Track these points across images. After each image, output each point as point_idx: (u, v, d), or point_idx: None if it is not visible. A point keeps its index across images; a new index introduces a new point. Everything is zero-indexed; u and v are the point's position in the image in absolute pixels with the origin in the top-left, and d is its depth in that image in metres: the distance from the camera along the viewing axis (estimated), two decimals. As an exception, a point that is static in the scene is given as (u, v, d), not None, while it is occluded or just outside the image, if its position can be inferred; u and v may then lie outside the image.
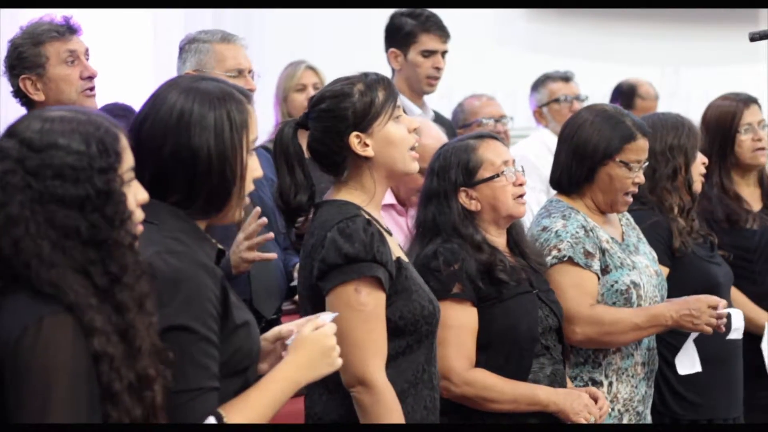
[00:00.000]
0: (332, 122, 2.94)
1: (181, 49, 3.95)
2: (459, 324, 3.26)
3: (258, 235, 3.60)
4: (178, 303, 2.24)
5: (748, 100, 4.54)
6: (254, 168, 2.44)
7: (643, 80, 6.77)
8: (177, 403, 2.21)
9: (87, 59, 3.76)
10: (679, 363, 3.78)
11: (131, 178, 2.14)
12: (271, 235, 3.63)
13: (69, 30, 3.74)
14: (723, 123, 4.48)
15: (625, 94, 6.65)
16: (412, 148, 3.00)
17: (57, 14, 3.80)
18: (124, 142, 2.13)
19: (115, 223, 2.07)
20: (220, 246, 2.45)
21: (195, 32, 3.99)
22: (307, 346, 2.43)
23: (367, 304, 2.85)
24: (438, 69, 5.20)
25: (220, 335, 2.29)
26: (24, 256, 2.02)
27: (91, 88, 3.74)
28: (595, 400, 3.40)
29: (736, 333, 3.70)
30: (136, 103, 4.85)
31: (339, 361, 2.47)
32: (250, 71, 3.90)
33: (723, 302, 3.63)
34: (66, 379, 1.98)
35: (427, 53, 5.20)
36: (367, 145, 2.94)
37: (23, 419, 1.97)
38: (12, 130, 2.08)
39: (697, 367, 3.78)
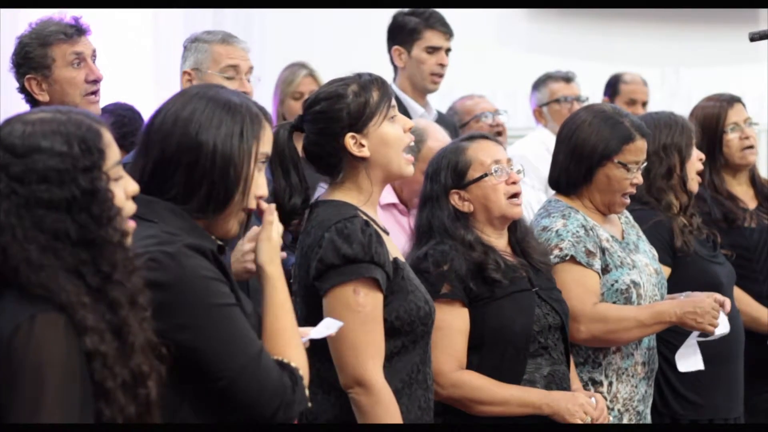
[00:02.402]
0: (327, 124, 2.94)
1: (185, 48, 3.96)
2: (448, 325, 3.24)
3: None
4: (190, 286, 2.28)
5: (732, 100, 4.54)
6: (260, 185, 2.45)
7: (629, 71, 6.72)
8: (245, 379, 2.27)
9: (94, 61, 3.76)
10: (680, 360, 3.75)
11: (118, 173, 2.14)
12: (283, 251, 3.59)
13: (77, 31, 3.73)
14: (709, 124, 4.48)
15: (611, 84, 6.57)
16: (409, 149, 3.01)
17: (66, 13, 3.79)
18: (108, 138, 2.13)
19: (103, 221, 2.07)
20: (219, 242, 2.46)
21: (200, 32, 4.00)
22: (261, 244, 2.54)
23: (365, 305, 2.85)
24: (442, 66, 5.20)
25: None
26: (12, 261, 2.02)
27: (95, 92, 3.74)
28: None
29: (724, 324, 3.68)
30: (137, 103, 4.87)
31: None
32: (248, 72, 3.89)
33: (728, 305, 3.63)
34: (59, 378, 1.98)
35: (431, 50, 5.20)
36: (362, 146, 2.94)
37: (15, 418, 1.97)
38: None
39: (699, 365, 3.75)
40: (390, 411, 2.84)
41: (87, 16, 3.86)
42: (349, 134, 2.93)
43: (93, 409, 2.01)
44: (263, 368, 2.30)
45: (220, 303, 2.31)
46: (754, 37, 3.64)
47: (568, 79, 6.08)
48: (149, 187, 2.37)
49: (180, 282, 2.27)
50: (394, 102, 3.01)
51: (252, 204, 2.45)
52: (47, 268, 2.02)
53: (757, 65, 7.27)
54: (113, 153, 2.13)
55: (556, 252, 3.56)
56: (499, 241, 3.43)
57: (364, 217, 2.92)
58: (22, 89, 3.75)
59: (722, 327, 3.62)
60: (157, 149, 2.39)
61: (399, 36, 5.23)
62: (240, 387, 2.28)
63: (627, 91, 6.39)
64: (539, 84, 6.11)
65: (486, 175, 3.38)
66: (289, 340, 2.40)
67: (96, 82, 3.73)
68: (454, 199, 3.39)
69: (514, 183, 3.40)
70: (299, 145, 3.02)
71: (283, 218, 2.98)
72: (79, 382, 2.00)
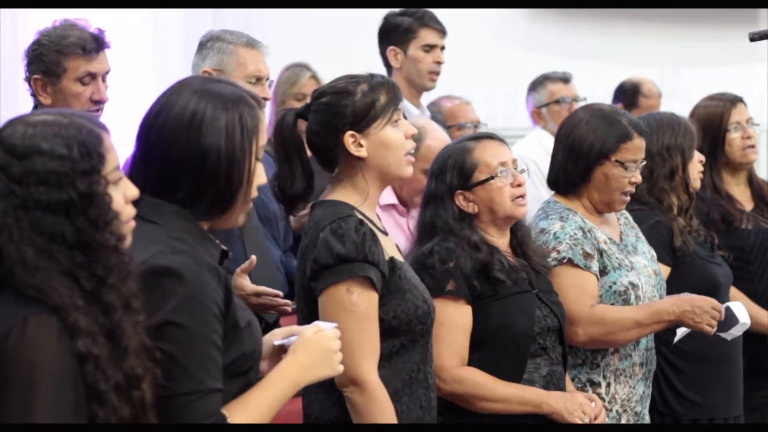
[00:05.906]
0: (330, 117, 2.95)
1: (202, 45, 3.90)
2: (452, 321, 3.25)
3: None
4: (180, 300, 2.23)
5: (735, 100, 4.55)
6: (260, 174, 2.43)
7: (645, 79, 6.77)
8: (178, 403, 2.21)
9: (104, 80, 3.73)
10: (678, 333, 3.73)
11: (118, 177, 2.14)
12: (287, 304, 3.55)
13: (96, 48, 3.69)
14: (712, 123, 4.48)
15: (629, 93, 6.64)
16: (410, 154, 3.00)
17: (90, 22, 3.73)
18: (108, 143, 2.13)
19: (100, 225, 2.08)
20: (223, 246, 2.45)
21: (219, 30, 3.95)
22: (309, 347, 2.43)
23: (359, 304, 2.85)
24: (439, 63, 5.20)
25: (223, 337, 2.29)
26: (7, 262, 2.03)
27: (97, 110, 3.72)
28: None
29: (743, 327, 3.68)
30: (137, 103, 4.87)
31: (340, 367, 2.46)
32: (267, 79, 3.89)
33: (722, 312, 3.62)
34: (50, 379, 1.99)
35: (428, 47, 5.19)
36: (361, 146, 2.95)
37: (6, 418, 1.98)
38: None
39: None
40: (384, 410, 2.85)
41: (87, 16, 3.85)
42: (349, 132, 2.94)
43: (86, 411, 2.02)
44: (199, 405, 2.22)
45: (208, 332, 2.26)
46: (754, 37, 3.64)
47: (566, 79, 6.09)
48: (156, 190, 2.36)
49: (189, 297, 2.24)
50: (401, 107, 3.02)
51: (254, 194, 2.44)
52: (42, 271, 2.03)
53: (757, 65, 7.28)
54: (113, 157, 2.13)
55: (553, 254, 3.56)
56: (501, 241, 3.43)
57: (360, 217, 2.92)
58: (28, 82, 3.73)
59: (742, 321, 3.62)
60: (159, 158, 2.36)
61: (393, 36, 5.22)
62: (171, 405, 2.20)
63: (647, 105, 6.42)
64: (537, 85, 6.11)
65: (492, 177, 3.38)
66: (244, 409, 2.31)
67: (99, 102, 3.71)
68: (459, 200, 3.39)
69: (519, 185, 3.40)
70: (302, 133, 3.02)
71: (287, 204, 3.00)
72: (70, 384, 2.01)
